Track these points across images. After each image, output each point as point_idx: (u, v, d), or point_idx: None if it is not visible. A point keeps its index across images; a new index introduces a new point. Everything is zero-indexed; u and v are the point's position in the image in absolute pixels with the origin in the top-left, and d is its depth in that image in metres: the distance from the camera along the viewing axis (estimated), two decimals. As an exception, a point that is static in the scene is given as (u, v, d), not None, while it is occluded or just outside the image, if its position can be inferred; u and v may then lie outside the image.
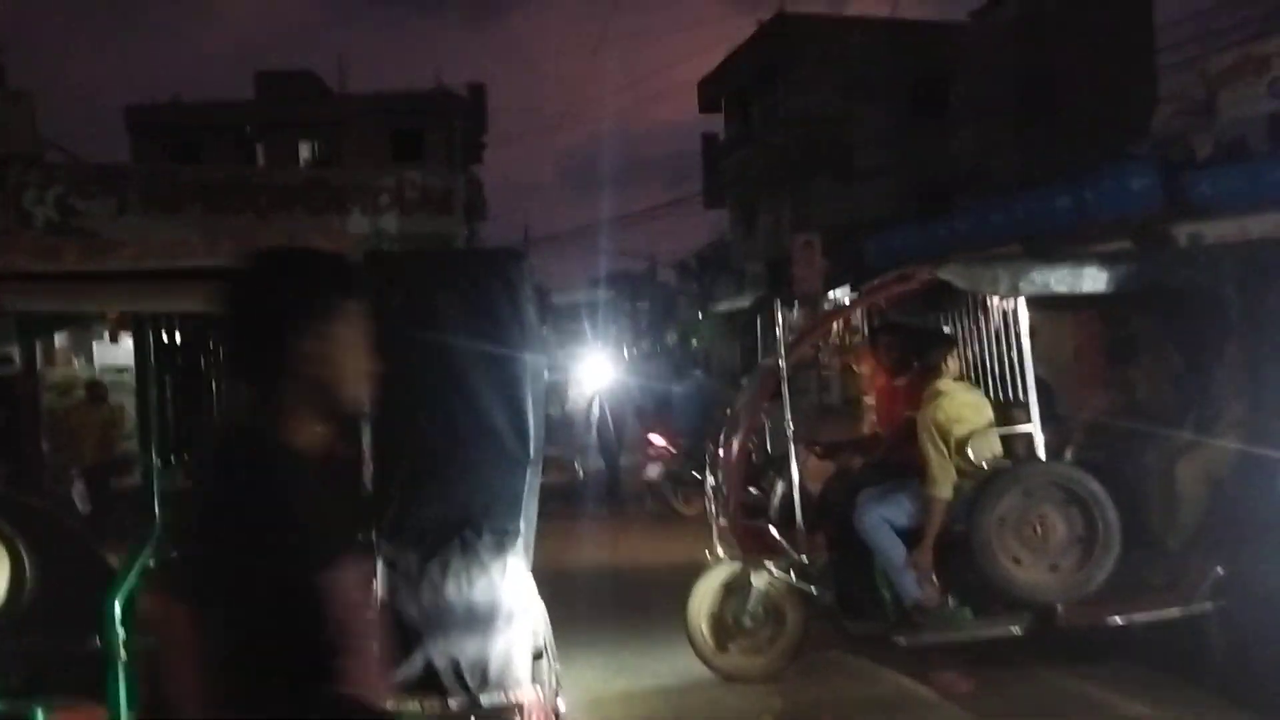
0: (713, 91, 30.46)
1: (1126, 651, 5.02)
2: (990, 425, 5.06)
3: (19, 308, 3.58)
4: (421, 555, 3.63)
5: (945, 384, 5.11)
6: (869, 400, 6.10)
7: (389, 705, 1.83)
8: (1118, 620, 4.73)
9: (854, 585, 5.06)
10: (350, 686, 1.53)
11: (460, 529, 3.69)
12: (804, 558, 5.07)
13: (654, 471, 10.27)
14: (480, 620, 3.63)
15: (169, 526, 3.50)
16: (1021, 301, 5.02)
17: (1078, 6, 24.97)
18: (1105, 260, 5.13)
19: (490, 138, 33.41)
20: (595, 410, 11.85)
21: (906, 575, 4.89)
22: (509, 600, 3.67)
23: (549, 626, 3.92)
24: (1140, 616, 4.72)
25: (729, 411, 6.09)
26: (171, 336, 3.95)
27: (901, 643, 4.85)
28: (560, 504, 9.71)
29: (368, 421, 3.48)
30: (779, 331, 5.31)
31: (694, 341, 32.51)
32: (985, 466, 4.93)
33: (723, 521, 5.43)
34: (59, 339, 9.77)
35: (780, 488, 5.40)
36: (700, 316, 32.47)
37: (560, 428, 13.46)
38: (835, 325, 6.77)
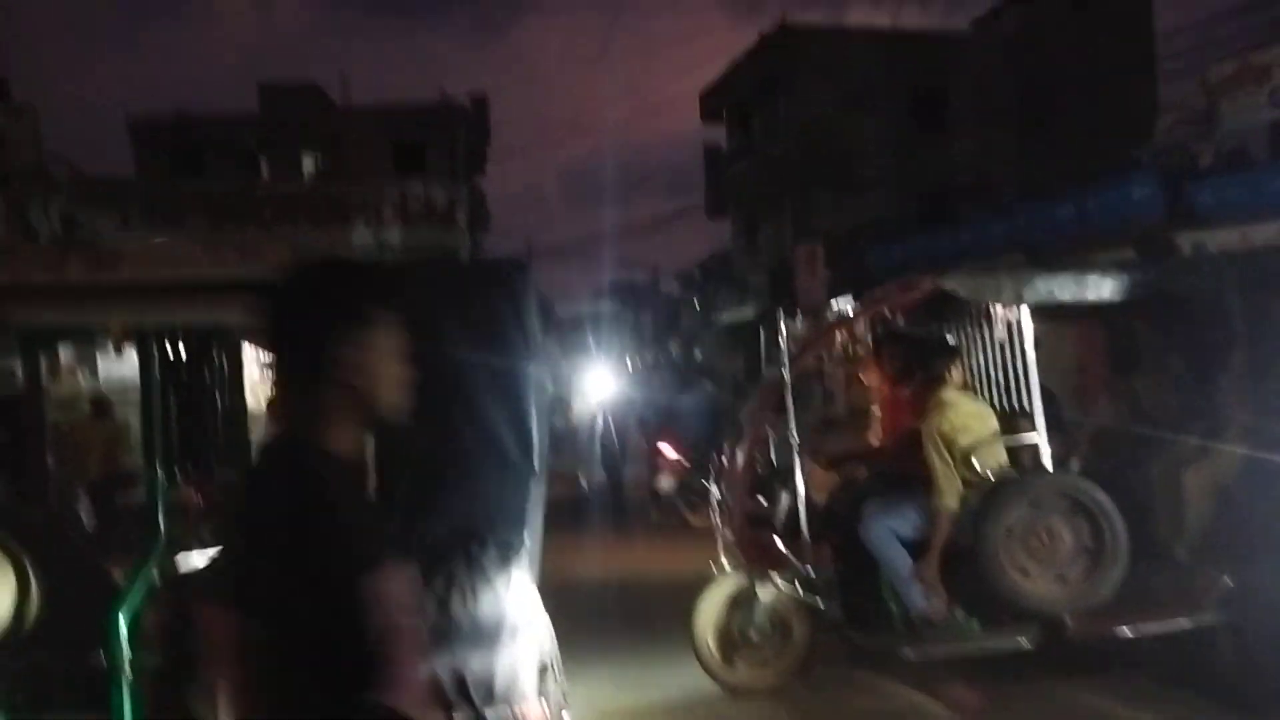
0: (714, 102, 30.52)
1: (1136, 663, 4.99)
2: (995, 435, 5.05)
3: (23, 321, 3.58)
4: (425, 569, 3.62)
5: (949, 394, 5.10)
6: (876, 411, 6.08)
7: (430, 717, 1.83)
8: (1126, 631, 4.71)
9: (860, 597, 5.04)
10: (393, 696, 1.53)
11: (465, 542, 3.68)
12: (810, 569, 5.05)
13: (666, 483, 10.23)
14: (485, 634, 3.61)
15: (172, 541, 3.49)
16: (1025, 311, 5.01)
17: (1078, 16, 25.05)
18: (1108, 269, 5.13)
19: (493, 150, 33.47)
20: (599, 422, 11.84)
21: (913, 587, 4.87)
22: (514, 614, 3.65)
23: (554, 640, 3.91)
24: (1149, 627, 4.70)
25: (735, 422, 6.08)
26: (176, 350, 3.95)
27: (909, 655, 4.83)
28: (565, 517, 9.69)
29: (371, 434, 3.47)
30: (782, 342, 5.30)
31: (697, 352, 32.50)
32: (991, 477, 4.92)
33: (728, 533, 5.41)
34: (64, 353, 9.78)
35: (785, 499, 5.38)
36: (703, 327, 32.47)
37: (564, 440, 13.47)
38: (839, 336, 6.75)
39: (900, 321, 6.10)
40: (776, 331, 5.43)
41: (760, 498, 5.63)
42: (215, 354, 4.20)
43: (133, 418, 7.91)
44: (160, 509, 3.49)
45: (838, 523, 5.29)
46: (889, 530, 4.96)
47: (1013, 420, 5.20)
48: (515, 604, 3.66)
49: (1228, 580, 4.62)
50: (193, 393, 4.06)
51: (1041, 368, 5.10)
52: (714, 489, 5.84)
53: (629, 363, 27.50)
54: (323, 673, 1.50)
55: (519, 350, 3.78)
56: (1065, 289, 4.92)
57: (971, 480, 4.91)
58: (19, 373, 4.07)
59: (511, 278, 3.92)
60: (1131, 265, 6.63)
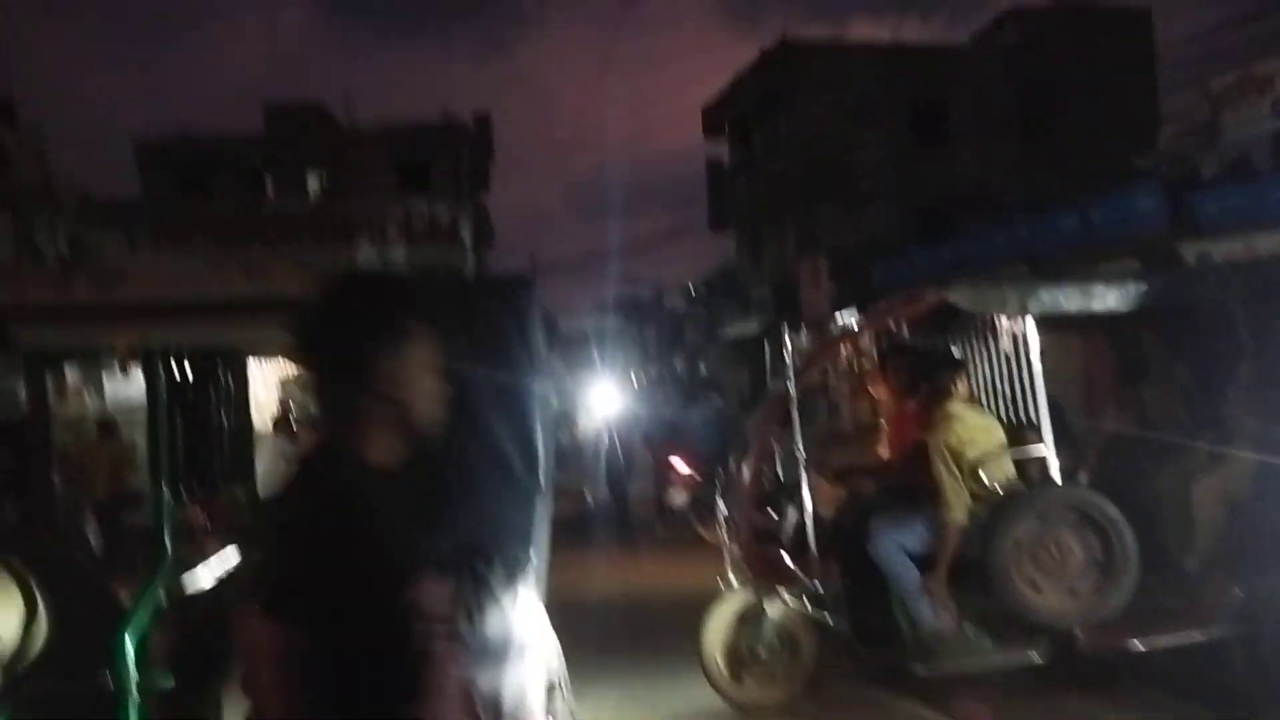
0: (716, 117, 30.63)
1: (1148, 677, 4.95)
2: (1002, 448, 5.03)
3: (30, 342, 3.59)
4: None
5: (955, 407, 5.09)
6: (883, 424, 6.07)
7: None
8: (1138, 645, 4.67)
9: (869, 612, 5.01)
10: (431, 708, 1.54)
11: (470, 560, 3.67)
12: (818, 585, 5.02)
13: (679, 498, 10.21)
14: (492, 653, 3.60)
15: (179, 561, 3.49)
16: (1031, 322, 5.00)
17: (1078, 28, 25.12)
18: (1113, 279, 5.12)
19: (497, 167, 33.60)
20: (604, 438, 11.82)
21: (922, 602, 4.84)
22: (521, 632, 3.63)
23: (562, 658, 3.89)
24: (1161, 641, 4.66)
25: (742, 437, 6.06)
26: (182, 370, 3.96)
27: (919, 671, 4.79)
28: (571, 533, 9.66)
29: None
30: (787, 356, 5.29)
31: (702, 367, 32.48)
32: (999, 490, 4.89)
33: (735, 549, 5.39)
34: (70, 374, 9.81)
35: (792, 514, 5.36)
36: (707, 341, 32.47)
37: (569, 456, 13.46)
38: (843, 349, 6.74)
39: (905, 334, 6.10)
40: (781, 345, 5.43)
41: (772, 511, 5.61)
42: (221, 373, 4.20)
43: (139, 438, 7.93)
44: (166, 529, 3.48)
45: (845, 537, 5.27)
46: (897, 545, 4.93)
47: (1020, 433, 5.18)
48: (522, 622, 3.64)
49: (1239, 591, 4.58)
50: (198, 412, 4.06)
51: (1048, 379, 5.08)
52: (720, 504, 5.82)
53: (633, 378, 27.50)
54: (362, 684, 1.51)
55: (523, 366, 3.78)
56: (1069, 299, 4.91)
57: (979, 494, 4.89)
58: (25, 394, 4.08)
59: (516, 293, 3.92)
60: (1136, 275, 6.62)
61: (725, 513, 5.63)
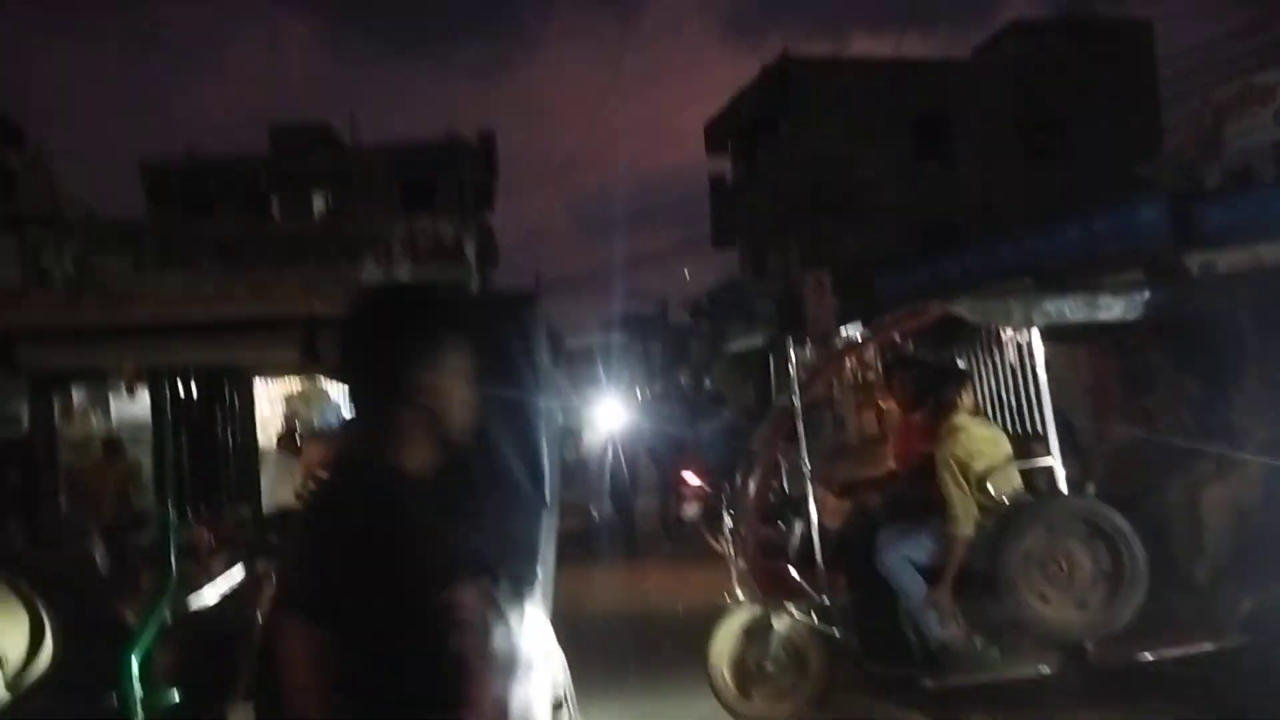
0: (718, 134, 30.73)
1: (1159, 689, 4.91)
2: (1009, 460, 5.01)
3: (37, 363, 3.61)
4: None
5: (962, 419, 5.08)
6: (889, 436, 6.05)
7: None
8: (1148, 657, 4.64)
9: (877, 626, 4.98)
10: (469, 715, 1.55)
11: (476, 577, 3.66)
12: (825, 598, 5.00)
13: (691, 511, 10.19)
14: (499, 669, 3.58)
15: (185, 580, 3.49)
16: (1036, 334, 5.00)
17: (1080, 41, 25.21)
18: (1118, 290, 5.13)
19: (501, 185, 33.74)
20: (609, 453, 11.81)
21: (930, 614, 4.81)
22: (528, 648, 3.62)
23: (568, 675, 3.87)
24: (1171, 653, 4.63)
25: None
26: (188, 390, 3.97)
27: (928, 685, 4.76)
28: (576, 548, 9.64)
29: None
30: (792, 370, 5.29)
31: (707, 382, 32.47)
32: (1006, 502, 4.88)
33: (742, 563, 5.37)
34: (77, 395, 9.83)
35: (798, 528, 5.34)
36: (713, 356, 32.47)
37: (575, 471, 13.44)
38: (849, 363, 6.74)
39: (910, 347, 6.09)
40: (786, 359, 5.42)
41: (780, 524, 5.59)
42: (226, 393, 4.22)
43: (145, 458, 7.94)
44: (172, 549, 3.49)
45: (852, 550, 5.25)
46: (904, 557, 4.91)
47: (1027, 444, 5.17)
48: (528, 637, 3.63)
49: (1249, 602, 4.55)
50: (204, 432, 4.07)
51: (1054, 391, 5.08)
52: (727, 518, 5.81)
53: (639, 393, 27.50)
54: (400, 690, 1.52)
55: (529, 382, 3.78)
56: (1074, 311, 4.91)
57: (986, 505, 4.87)
58: (31, 415, 4.10)
59: (521, 310, 3.94)
60: (1141, 286, 6.62)
61: (731, 526, 5.62)
